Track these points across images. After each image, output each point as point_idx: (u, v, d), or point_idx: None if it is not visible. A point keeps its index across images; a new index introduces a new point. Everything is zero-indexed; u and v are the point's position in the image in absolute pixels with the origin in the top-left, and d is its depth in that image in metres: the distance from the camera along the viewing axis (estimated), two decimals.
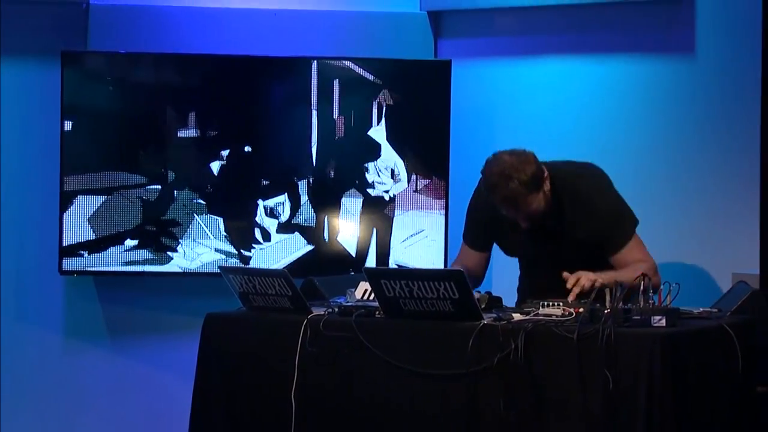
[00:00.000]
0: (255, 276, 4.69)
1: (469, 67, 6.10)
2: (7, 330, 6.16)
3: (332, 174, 6.01)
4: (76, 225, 5.95)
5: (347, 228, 6.02)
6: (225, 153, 5.99)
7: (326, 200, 6.01)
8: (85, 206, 5.96)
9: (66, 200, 5.95)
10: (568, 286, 4.50)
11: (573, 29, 5.98)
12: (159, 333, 6.19)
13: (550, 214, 4.79)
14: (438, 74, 5.99)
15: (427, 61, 6.13)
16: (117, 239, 5.95)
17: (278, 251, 6.01)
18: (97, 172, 5.99)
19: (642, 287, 4.24)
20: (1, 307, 6.16)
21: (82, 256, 5.95)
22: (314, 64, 5.98)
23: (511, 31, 6.09)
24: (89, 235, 5.94)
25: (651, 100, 5.84)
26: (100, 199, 5.96)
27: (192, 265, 5.95)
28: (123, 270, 6.00)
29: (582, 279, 4.50)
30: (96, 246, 5.95)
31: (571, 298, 4.46)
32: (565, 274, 4.53)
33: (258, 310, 4.73)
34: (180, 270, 5.99)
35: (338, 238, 6.02)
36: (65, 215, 5.94)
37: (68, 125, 5.94)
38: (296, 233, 6.02)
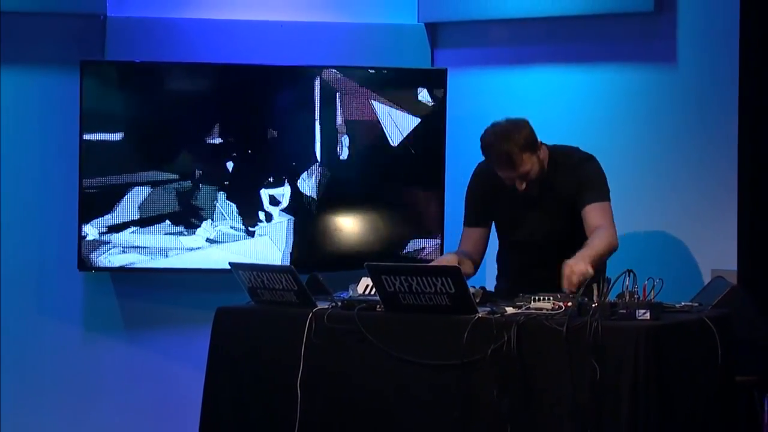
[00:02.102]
0: (263, 272, 4.69)
1: (464, 75, 6.09)
2: (29, 323, 6.15)
3: (331, 172, 5.99)
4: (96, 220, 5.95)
5: (343, 222, 6.03)
6: (235, 154, 5.97)
7: (326, 196, 6.00)
8: (104, 203, 5.96)
9: (84, 200, 5.93)
10: (564, 285, 4.50)
11: (562, 40, 5.97)
12: (172, 326, 6.18)
13: (546, 181, 4.90)
14: (434, 82, 5.97)
15: (425, 69, 6.12)
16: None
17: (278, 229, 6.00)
18: (113, 174, 5.98)
19: (627, 282, 4.24)
20: (25, 302, 6.15)
21: (102, 251, 5.94)
22: (318, 72, 5.96)
23: (503, 42, 6.09)
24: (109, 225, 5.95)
25: (635, 106, 5.83)
26: (118, 196, 5.96)
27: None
28: (139, 267, 5.98)
29: (573, 278, 4.48)
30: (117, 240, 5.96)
31: (567, 286, 4.48)
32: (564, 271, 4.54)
33: (266, 304, 4.73)
34: (193, 267, 5.99)
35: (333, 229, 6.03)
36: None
37: (87, 130, 5.92)
38: (293, 216, 6.00)
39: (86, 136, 5.90)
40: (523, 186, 4.86)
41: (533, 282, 4.75)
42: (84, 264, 5.98)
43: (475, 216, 5.12)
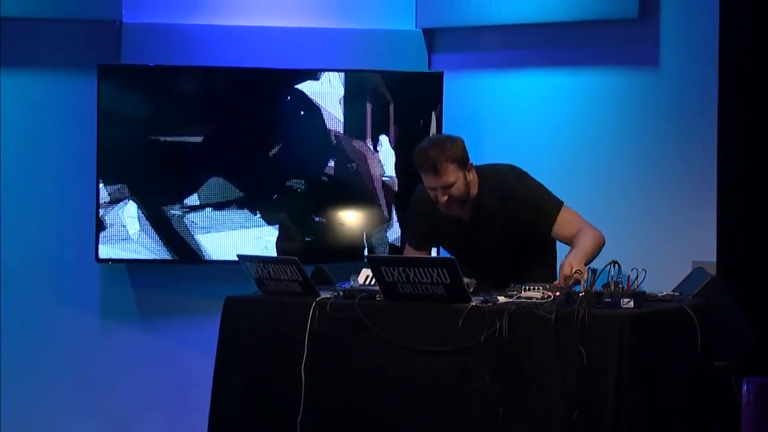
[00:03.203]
0: (269, 263, 4.69)
1: (460, 78, 6.09)
2: (50, 313, 6.16)
3: (332, 171, 6.00)
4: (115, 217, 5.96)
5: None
6: (242, 148, 5.99)
7: (325, 194, 6.01)
8: (118, 198, 5.97)
9: (101, 195, 5.94)
10: (564, 274, 4.50)
11: (551, 45, 5.97)
12: (184, 314, 6.19)
13: (479, 206, 4.80)
14: (431, 85, 5.97)
15: (422, 73, 6.12)
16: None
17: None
18: (129, 170, 5.99)
19: (612, 272, 4.25)
20: (45, 292, 6.16)
21: (118, 245, 5.95)
22: (321, 75, 5.97)
23: (497, 47, 6.09)
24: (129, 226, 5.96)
25: (621, 107, 5.84)
26: (131, 192, 5.97)
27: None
28: (153, 258, 5.99)
29: (567, 272, 4.49)
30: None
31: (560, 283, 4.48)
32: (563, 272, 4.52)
33: (272, 293, 4.72)
34: (204, 259, 6.00)
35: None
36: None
37: (103, 130, 5.93)
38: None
39: (103, 137, 5.93)
40: (444, 199, 4.73)
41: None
42: (101, 256, 5.99)
43: (419, 240, 5.05)
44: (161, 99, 6.01)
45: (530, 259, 4.83)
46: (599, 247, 4.72)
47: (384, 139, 6.01)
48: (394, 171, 6.03)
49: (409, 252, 5.10)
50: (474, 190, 4.81)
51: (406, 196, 5.98)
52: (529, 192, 4.82)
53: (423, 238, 5.05)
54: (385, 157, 6.02)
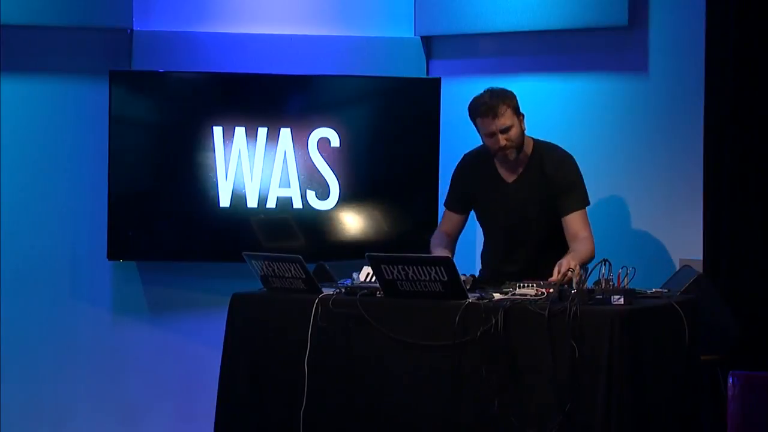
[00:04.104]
0: (274, 261, 4.69)
1: (457, 84, 6.08)
2: (63, 308, 6.15)
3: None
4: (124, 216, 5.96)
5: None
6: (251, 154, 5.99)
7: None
8: (129, 200, 5.97)
9: (113, 197, 5.94)
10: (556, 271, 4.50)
11: (545, 52, 5.96)
12: (193, 310, 6.17)
13: (528, 167, 4.88)
14: (429, 90, 5.96)
15: (420, 78, 6.11)
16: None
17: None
18: (139, 173, 5.98)
19: (602, 270, 4.24)
20: (59, 288, 6.15)
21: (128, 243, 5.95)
22: (325, 81, 5.96)
23: (492, 54, 6.08)
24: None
25: (611, 112, 5.83)
26: (141, 193, 5.97)
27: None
28: (161, 256, 5.98)
29: (563, 270, 4.49)
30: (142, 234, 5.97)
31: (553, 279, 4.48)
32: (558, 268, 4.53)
33: (276, 290, 4.72)
34: (211, 257, 5.99)
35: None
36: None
37: (115, 134, 5.92)
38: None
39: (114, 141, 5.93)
40: (503, 143, 4.82)
41: (512, 265, 4.75)
42: (112, 254, 5.98)
43: (456, 202, 5.11)
44: (170, 103, 5.99)
45: (550, 249, 4.82)
46: (590, 258, 4.73)
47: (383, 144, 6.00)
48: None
49: (445, 217, 5.14)
50: (527, 151, 4.92)
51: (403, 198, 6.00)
52: (572, 174, 4.92)
53: (462, 200, 5.09)
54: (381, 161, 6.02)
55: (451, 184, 5.17)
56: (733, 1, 5.36)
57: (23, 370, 6.11)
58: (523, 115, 4.94)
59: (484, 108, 4.84)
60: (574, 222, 4.83)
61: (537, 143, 4.97)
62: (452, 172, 5.17)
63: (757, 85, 5.33)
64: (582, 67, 5.89)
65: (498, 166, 4.97)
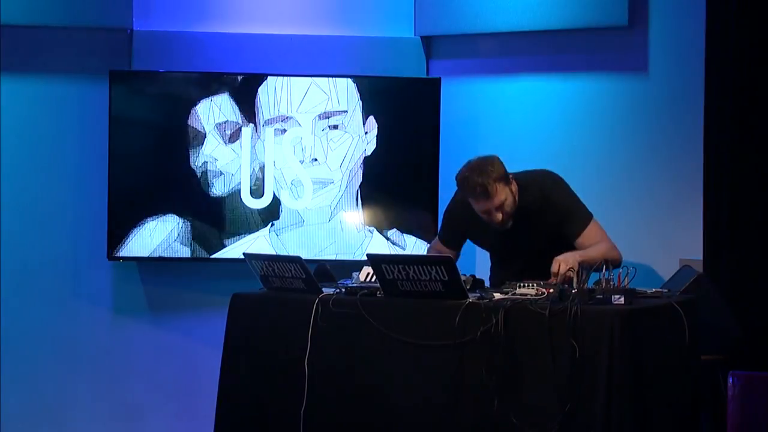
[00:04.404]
0: (274, 261, 4.68)
1: (457, 84, 6.08)
2: (64, 308, 6.15)
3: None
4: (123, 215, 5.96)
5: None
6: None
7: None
8: (129, 200, 5.97)
9: (113, 197, 5.94)
10: (553, 271, 4.48)
11: (545, 52, 5.96)
12: (193, 310, 6.18)
13: (518, 212, 4.78)
14: (429, 90, 5.96)
15: (420, 78, 6.11)
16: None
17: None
18: (139, 173, 5.98)
19: (603, 270, 4.24)
20: (60, 288, 6.15)
21: (126, 243, 5.95)
22: (326, 81, 5.96)
23: (492, 54, 6.08)
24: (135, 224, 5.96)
25: (611, 112, 5.83)
26: (141, 193, 5.97)
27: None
28: (161, 256, 5.98)
29: (561, 266, 4.48)
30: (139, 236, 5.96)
31: (553, 280, 4.46)
32: (552, 268, 4.51)
33: (276, 290, 4.72)
34: (211, 257, 5.99)
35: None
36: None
37: (115, 133, 5.92)
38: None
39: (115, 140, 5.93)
40: (500, 217, 4.71)
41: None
42: (112, 254, 5.98)
43: (451, 239, 5.04)
44: (169, 102, 5.99)
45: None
46: (606, 258, 4.53)
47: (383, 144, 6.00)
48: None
49: (438, 246, 5.08)
50: (516, 199, 4.77)
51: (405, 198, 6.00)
52: (563, 198, 4.81)
53: (456, 238, 5.02)
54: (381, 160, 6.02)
55: (444, 220, 5.08)
56: (734, 1, 5.36)
57: (23, 370, 6.11)
58: (511, 178, 4.75)
59: (477, 191, 4.67)
60: (586, 240, 4.76)
61: (520, 181, 4.80)
62: (446, 208, 5.07)
63: (758, 84, 5.33)
64: (582, 67, 5.89)
65: None
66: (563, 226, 4.78)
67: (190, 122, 5.95)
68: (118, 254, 5.99)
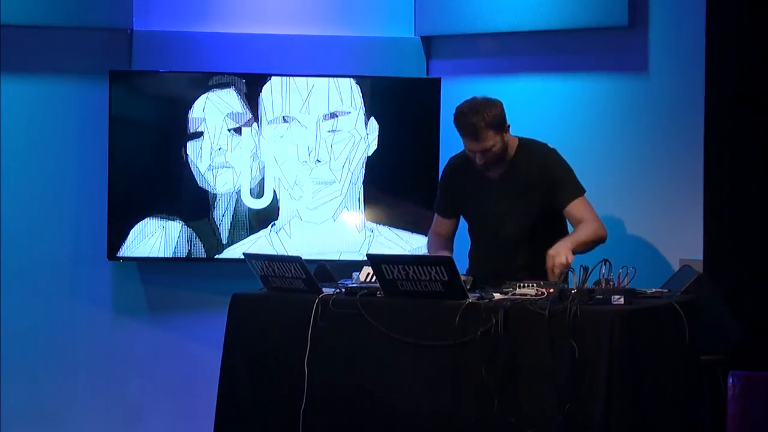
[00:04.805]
0: (274, 261, 4.68)
1: (457, 84, 6.08)
2: (64, 308, 6.15)
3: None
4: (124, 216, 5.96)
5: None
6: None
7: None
8: (129, 200, 5.97)
9: (113, 197, 5.94)
10: (549, 275, 4.49)
11: (545, 52, 5.96)
12: (193, 310, 6.17)
13: (512, 168, 4.83)
14: (429, 90, 5.96)
15: (420, 78, 6.11)
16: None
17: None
18: (139, 173, 5.98)
19: (603, 270, 4.24)
20: (60, 288, 6.15)
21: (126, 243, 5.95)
22: (326, 81, 5.96)
23: (492, 54, 6.08)
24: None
25: (611, 112, 5.83)
26: (141, 193, 5.97)
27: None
28: (161, 256, 5.98)
29: (555, 261, 4.48)
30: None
31: (551, 277, 4.47)
32: (548, 264, 4.52)
33: (277, 290, 4.72)
34: (211, 257, 5.99)
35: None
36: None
37: (115, 134, 5.92)
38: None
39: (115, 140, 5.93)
40: (481, 162, 4.77)
41: (503, 268, 4.74)
42: (112, 254, 5.98)
43: (446, 207, 5.08)
44: (169, 102, 5.99)
45: (543, 248, 4.70)
46: (596, 239, 4.72)
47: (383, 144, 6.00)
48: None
49: (437, 221, 5.11)
50: (511, 152, 4.85)
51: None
52: (559, 167, 4.86)
53: (451, 205, 5.05)
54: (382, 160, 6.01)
55: (439, 189, 5.13)
56: (734, 1, 5.36)
57: (23, 370, 6.11)
58: (508, 127, 4.82)
59: (467, 128, 4.75)
60: (574, 211, 4.79)
61: (521, 142, 4.91)
62: (440, 177, 5.14)
63: (758, 84, 5.33)
64: (582, 67, 5.89)
65: None
66: (554, 194, 4.81)
67: (190, 122, 5.95)
68: (118, 254, 5.98)
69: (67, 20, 5.99)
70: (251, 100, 5.96)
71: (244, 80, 5.97)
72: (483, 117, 4.73)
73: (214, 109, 5.97)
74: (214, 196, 5.98)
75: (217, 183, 5.97)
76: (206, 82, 5.97)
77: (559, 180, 4.84)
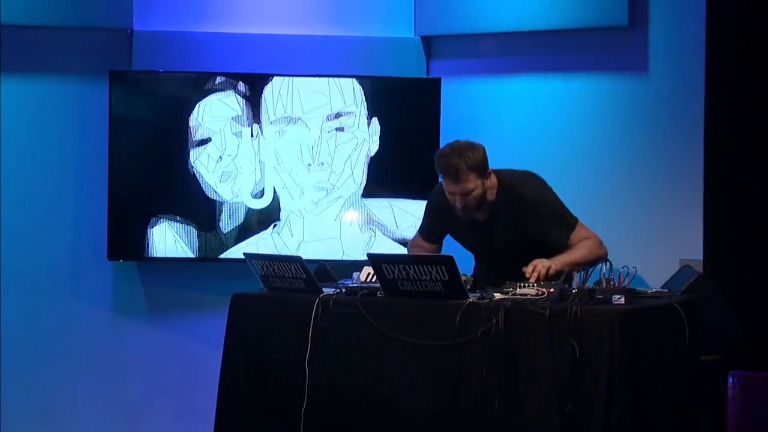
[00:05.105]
0: (274, 261, 4.68)
1: (457, 84, 6.08)
2: (64, 308, 6.15)
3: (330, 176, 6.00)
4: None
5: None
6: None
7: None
8: (129, 200, 5.96)
9: (113, 197, 5.94)
10: (527, 275, 4.46)
11: (545, 52, 5.96)
12: (192, 310, 6.18)
13: (495, 211, 4.75)
14: (429, 90, 5.96)
15: (420, 78, 6.11)
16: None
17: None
18: (139, 173, 5.98)
19: (603, 270, 4.24)
20: (60, 288, 6.15)
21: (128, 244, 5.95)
22: (326, 81, 5.96)
23: (492, 54, 6.08)
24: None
25: (611, 112, 5.83)
26: (141, 194, 5.97)
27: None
28: (161, 256, 5.98)
29: (538, 266, 4.47)
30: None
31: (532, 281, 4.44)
32: (527, 268, 4.49)
33: (277, 290, 4.72)
34: (211, 257, 5.99)
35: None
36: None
37: (115, 134, 5.93)
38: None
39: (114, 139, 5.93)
40: (460, 205, 4.67)
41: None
42: (112, 254, 5.98)
43: (431, 234, 5.01)
44: (169, 102, 5.99)
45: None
46: (591, 258, 4.60)
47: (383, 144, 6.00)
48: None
49: (418, 242, 5.05)
50: (492, 196, 4.74)
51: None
52: (546, 207, 4.75)
53: (436, 232, 5.00)
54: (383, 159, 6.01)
55: (425, 215, 5.04)
56: (734, 1, 5.36)
57: (23, 370, 6.11)
58: (489, 173, 4.71)
59: (448, 169, 4.64)
60: (574, 242, 4.72)
61: (501, 183, 4.76)
62: (426, 203, 5.04)
63: (758, 84, 5.33)
64: (582, 67, 5.89)
65: None
66: (550, 235, 4.71)
67: (190, 122, 5.96)
68: (118, 254, 5.98)
69: (67, 20, 5.99)
70: (251, 100, 5.96)
71: (243, 80, 5.97)
72: (465, 159, 4.63)
73: (214, 109, 5.96)
74: (216, 195, 5.97)
75: (219, 184, 5.97)
76: (206, 82, 5.97)
77: (550, 222, 4.72)
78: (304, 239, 5.97)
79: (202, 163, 5.97)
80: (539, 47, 5.96)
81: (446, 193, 4.72)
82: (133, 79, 6.02)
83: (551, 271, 4.45)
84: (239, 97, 5.97)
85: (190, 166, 5.97)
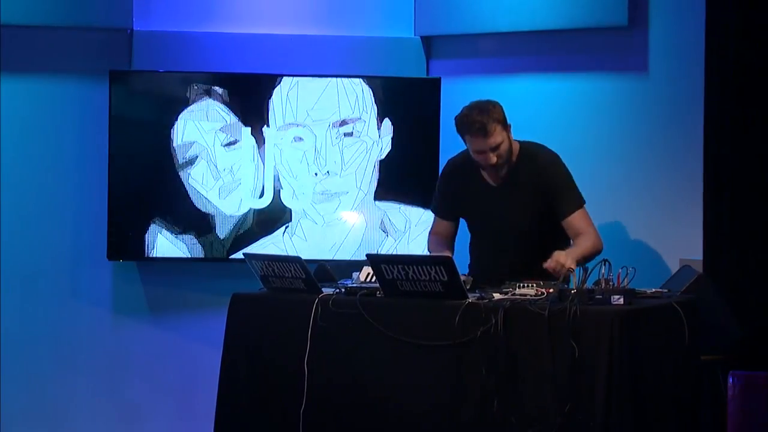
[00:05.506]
0: (274, 261, 4.68)
1: (457, 84, 6.08)
2: (64, 308, 6.15)
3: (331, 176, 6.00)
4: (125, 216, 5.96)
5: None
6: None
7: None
8: (129, 200, 5.96)
9: (113, 197, 5.94)
10: (549, 269, 4.49)
11: (545, 52, 5.96)
12: (192, 310, 6.18)
13: (514, 173, 4.84)
14: (429, 90, 5.96)
15: (420, 78, 6.11)
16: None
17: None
18: (139, 173, 5.98)
19: (602, 270, 4.24)
20: (60, 288, 6.15)
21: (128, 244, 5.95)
22: (326, 81, 5.96)
23: (492, 54, 6.08)
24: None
25: (611, 112, 5.83)
26: (141, 194, 5.97)
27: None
28: (161, 256, 5.98)
29: (558, 266, 4.49)
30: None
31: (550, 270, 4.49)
32: (549, 263, 4.53)
33: (276, 290, 4.72)
34: (211, 257, 5.99)
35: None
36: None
37: (115, 134, 5.93)
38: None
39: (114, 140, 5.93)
40: (494, 159, 4.78)
41: (503, 268, 4.74)
42: (112, 254, 5.98)
43: (444, 210, 5.08)
44: (170, 102, 5.99)
45: (540, 254, 4.70)
46: (594, 252, 4.72)
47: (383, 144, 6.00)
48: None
49: (436, 223, 5.10)
50: (514, 154, 4.87)
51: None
52: (560, 177, 4.87)
53: (450, 208, 5.05)
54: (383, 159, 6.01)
55: (437, 192, 5.12)
56: (734, 1, 5.36)
57: (23, 370, 6.11)
58: (509, 126, 4.87)
59: (476, 126, 4.76)
60: (574, 222, 4.82)
61: (522, 146, 4.92)
62: (438, 179, 5.14)
63: (757, 84, 5.33)
64: (582, 67, 5.89)
65: (482, 170, 4.93)
66: (555, 202, 4.82)
67: (190, 122, 5.96)
68: (118, 254, 5.98)
69: (67, 20, 5.99)
70: (251, 100, 5.96)
71: (243, 80, 5.97)
72: (489, 113, 4.78)
73: (214, 109, 5.96)
74: (215, 195, 5.97)
75: (219, 183, 5.97)
76: (206, 82, 5.97)
77: (559, 191, 4.84)
78: (312, 241, 5.97)
79: (203, 164, 5.96)
80: (539, 47, 5.96)
81: (474, 154, 4.81)
82: (134, 79, 6.02)
83: (572, 270, 4.47)
84: (240, 97, 5.97)
85: (190, 167, 5.97)
